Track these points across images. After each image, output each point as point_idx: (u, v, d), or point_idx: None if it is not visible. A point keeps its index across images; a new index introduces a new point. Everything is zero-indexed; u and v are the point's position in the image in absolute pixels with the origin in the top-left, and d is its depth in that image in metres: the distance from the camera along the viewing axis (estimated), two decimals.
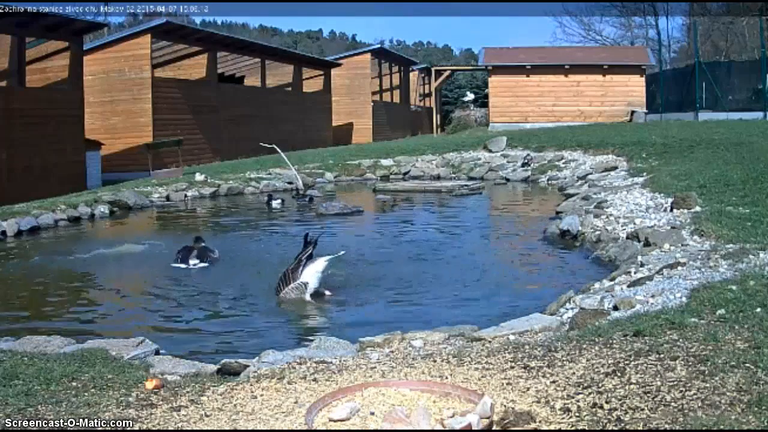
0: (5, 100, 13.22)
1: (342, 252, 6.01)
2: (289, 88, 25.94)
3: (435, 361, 3.30)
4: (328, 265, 5.71)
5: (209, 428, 2.72)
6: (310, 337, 4.31)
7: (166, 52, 20.42)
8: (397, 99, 34.69)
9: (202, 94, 19.91)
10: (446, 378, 3.05)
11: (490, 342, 3.70)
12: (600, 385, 2.79)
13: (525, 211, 11.05)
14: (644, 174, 10.37)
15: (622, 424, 2.43)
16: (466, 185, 13.72)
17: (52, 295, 6.25)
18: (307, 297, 5.59)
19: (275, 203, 11.93)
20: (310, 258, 5.64)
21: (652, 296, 4.10)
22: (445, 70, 38.33)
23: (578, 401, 2.66)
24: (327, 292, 5.77)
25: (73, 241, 9.15)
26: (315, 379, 3.17)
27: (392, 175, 16.40)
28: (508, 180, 14.94)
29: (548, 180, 14.18)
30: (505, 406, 2.66)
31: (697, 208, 6.60)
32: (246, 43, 24.07)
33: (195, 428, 2.73)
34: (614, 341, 3.26)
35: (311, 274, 5.61)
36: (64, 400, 3.01)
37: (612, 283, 4.86)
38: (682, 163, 10.56)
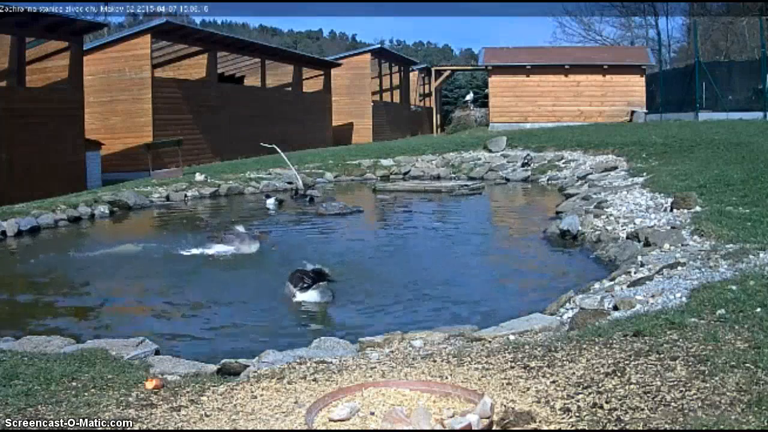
0: (5, 100, 13.21)
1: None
2: (289, 88, 25.93)
3: (435, 361, 3.30)
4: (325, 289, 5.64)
5: (209, 428, 2.72)
6: (310, 337, 4.30)
7: (166, 52, 20.42)
8: (397, 99, 34.67)
9: (202, 94, 19.90)
10: (446, 378, 3.05)
11: (490, 342, 3.70)
12: (600, 385, 2.79)
13: (525, 211, 11.05)
14: (644, 174, 10.36)
15: (622, 424, 2.43)
16: (466, 185, 13.71)
17: (52, 295, 6.24)
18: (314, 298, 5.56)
19: (269, 202, 11.89)
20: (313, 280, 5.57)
21: (652, 296, 4.10)
22: (445, 70, 38.33)
23: (578, 401, 2.66)
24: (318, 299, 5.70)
25: (73, 241, 9.14)
26: (315, 379, 3.17)
27: (392, 175, 16.39)
28: (508, 180, 14.94)
29: (548, 180, 14.18)
30: (505, 406, 2.66)
31: (697, 208, 6.60)
32: (246, 43, 24.05)
33: (195, 428, 2.73)
34: (614, 341, 3.26)
35: (313, 293, 5.56)
36: (64, 400, 3.01)
37: (612, 283, 4.86)
38: (682, 163, 10.56)
